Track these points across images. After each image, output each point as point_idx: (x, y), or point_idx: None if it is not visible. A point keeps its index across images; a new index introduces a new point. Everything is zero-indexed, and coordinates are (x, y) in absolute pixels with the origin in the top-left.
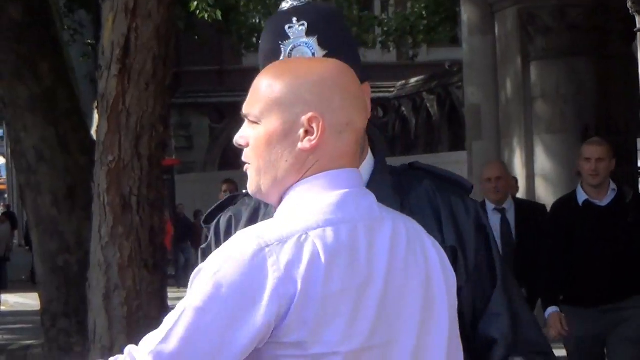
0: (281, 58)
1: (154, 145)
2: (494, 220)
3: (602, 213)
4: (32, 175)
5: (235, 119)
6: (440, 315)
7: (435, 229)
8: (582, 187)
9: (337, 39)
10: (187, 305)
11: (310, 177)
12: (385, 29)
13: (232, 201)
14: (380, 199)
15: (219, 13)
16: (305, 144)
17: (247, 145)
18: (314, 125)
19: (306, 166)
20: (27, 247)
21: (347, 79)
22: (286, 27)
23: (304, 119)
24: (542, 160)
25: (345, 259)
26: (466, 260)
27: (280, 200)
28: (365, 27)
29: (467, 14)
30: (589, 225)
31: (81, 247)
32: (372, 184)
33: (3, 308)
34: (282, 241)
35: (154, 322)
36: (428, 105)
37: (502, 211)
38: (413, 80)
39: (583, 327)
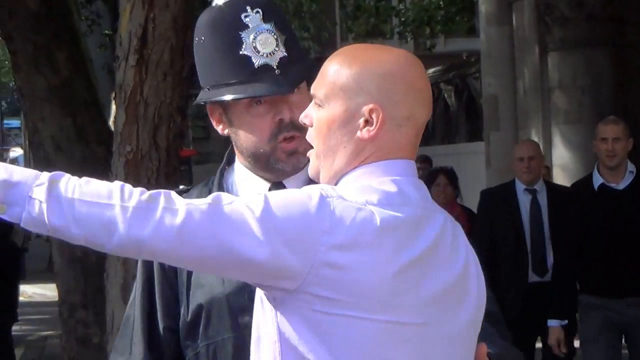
0: (244, 47)
1: (172, 135)
2: (524, 201)
3: (619, 197)
4: (49, 165)
5: None
6: (467, 309)
7: None
8: (598, 170)
9: (287, 25)
10: (241, 202)
11: (365, 165)
12: (403, 19)
13: (182, 193)
14: None
15: None
16: (364, 133)
17: (311, 125)
18: (374, 116)
19: (363, 155)
20: (45, 238)
21: (415, 72)
22: (242, 15)
23: (365, 109)
24: (560, 151)
25: (401, 236)
26: None
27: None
28: (382, 18)
29: (484, 4)
30: (604, 210)
31: None
32: None
33: (21, 299)
34: (343, 199)
35: None
36: (445, 95)
37: (532, 192)
38: (430, 70)
39: (604, 317)
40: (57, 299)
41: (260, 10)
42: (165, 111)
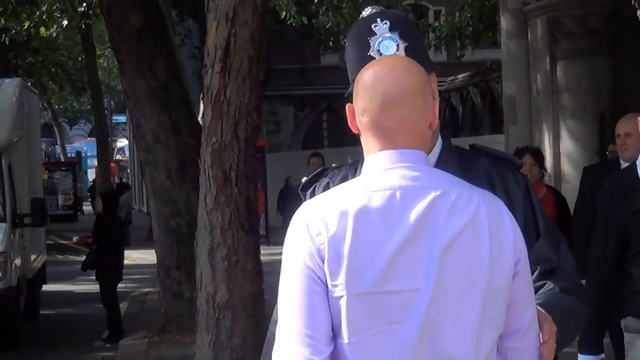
0: (370, 50)
1: (249, 129)
2: None
3: None
4: (150, 153)
5: (315, 108)
6: (478, 270)
7: None
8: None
9: (412, 35)
10: None
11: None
12: (438, 34)
13: (324, 172)
14: (447, 172)
15: (304, 19)
16: None
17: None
18: None
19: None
20: (146, 212)
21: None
22: (372, 25)
23: None
24: (567, 142)
25: (374, 218)
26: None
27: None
28: (421, 33)
29: (505, 21)
30: None
31: (190, 212)
32: (441, 161)
33: (126, 262)
34: (324, 206)
35: (249, 274)
36: (472, 96)
37: None
38: (460, 76)
39: None
40: (155, 262)
41: (388, 22)
42: (244, 109)
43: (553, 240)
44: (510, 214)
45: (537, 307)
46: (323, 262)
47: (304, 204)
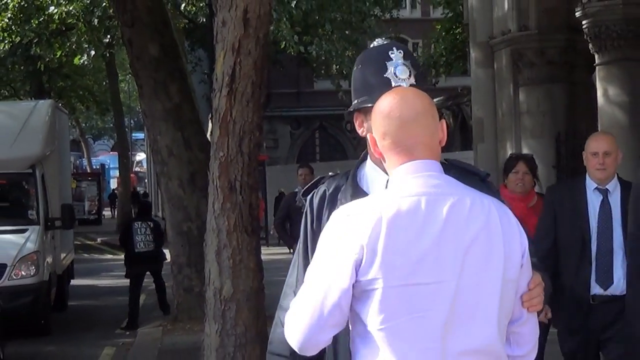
0: (387, 73)
1: (252, 145)
2: (594, 202)
3: None
4: (164, 166)
5: (308, 127)
6: (495, 264)
7: None
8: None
9: (418, 65)
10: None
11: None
12: None
13: (321, 180)
14: None
15: (301, 48)
16: None
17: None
18: None
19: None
20: (162, 217)
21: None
22: (389, 52)
23: None
24: None
25: (405, 223)
26: None
27: None
28: None
29: (474, 53)
30: None
31: (199, 217)
32: None
33: None
34: (360, 213)
35: (251, 271)
36: (445, 118)
37: (604, 192)
38: (435, 100)
39: None
40: (169, 260)
41: (402, 52)
42: (248, 128)
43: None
44: (513, 215)
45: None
46: (359, 263)
47: (340, 208)
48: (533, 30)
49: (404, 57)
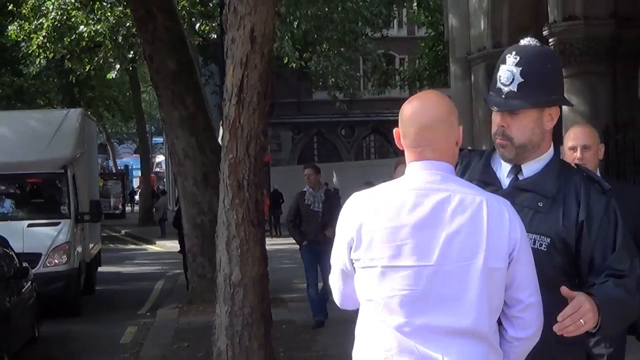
0: (497, 73)
1: (258, 148)
2: None
3: None
4: (181, 167)
5: (307, 133)
6: (476, 254)
7: (575, 208)
8: None
9: (534, 75)
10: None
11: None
12: (402, 76)
13: (469, 154)
14: (544, 179)
15: (302, 63)
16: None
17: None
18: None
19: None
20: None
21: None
22: (507, 55)
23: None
24: None
25: (391, 210)
26: (590, 230)
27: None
28: (390, 75)
29: (454, 67)
30: None
31: (211, 211)
32: (546, 168)
33: (162, 249)
34: (361, 199)
35: (257, 259)
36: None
37: None
38: None
39: None
40: (185, 249)
41: (519, 57)
42: (254, 133)
43: (628, 254)
44: (514, 214)
45: (572, 291)
46: (352, 242)
47: (353, 195)
48: (506, 47)
49: (517, 63)
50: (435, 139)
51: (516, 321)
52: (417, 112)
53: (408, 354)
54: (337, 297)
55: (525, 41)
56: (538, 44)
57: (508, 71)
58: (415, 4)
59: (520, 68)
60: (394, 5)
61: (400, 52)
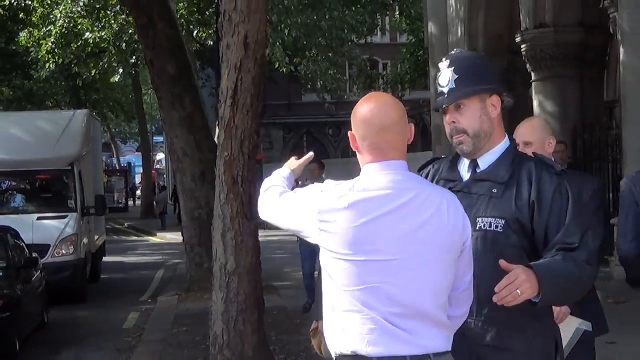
0: (437, 82)
1: (251, 147)
2: None
3: None
4: (180, 164)
5: (297, 132)
6: (440, 244)
7: (527, 190)
8: None
9: (466, 72)
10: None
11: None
12: (385, 80)
13: (435, 161)
14: (498, 168)
15: (292, 67)
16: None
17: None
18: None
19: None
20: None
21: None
22: (439, 64)
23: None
24: None
25: (363, 209)
26: (541, 208)
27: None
28: (374, 79)
29: (433, 72)
30: None
31: (208, 205)
32: (501, 157)
33: (162, 241)
34: (332, 193)
35: (250, 250)
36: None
37: None
38: None
39: None
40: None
41: (449, 61)
42: (248, 133)
43: (580, 227)
44: (463, 209)
45: (511, 265)
46: (319, 231)
47: (325, 182)
48: (481, 53)
49: (449, 65)
50: (395, 139)
51: (454, 301)
52: (375, 114)
53: (388, 335)
54: (266, 208)
55: (453, 51)
56: (464, 50)
57: (443, 75)
58: (397, 12)
59: (453, 68)
60: (378, 14)
61: (383, 57)
